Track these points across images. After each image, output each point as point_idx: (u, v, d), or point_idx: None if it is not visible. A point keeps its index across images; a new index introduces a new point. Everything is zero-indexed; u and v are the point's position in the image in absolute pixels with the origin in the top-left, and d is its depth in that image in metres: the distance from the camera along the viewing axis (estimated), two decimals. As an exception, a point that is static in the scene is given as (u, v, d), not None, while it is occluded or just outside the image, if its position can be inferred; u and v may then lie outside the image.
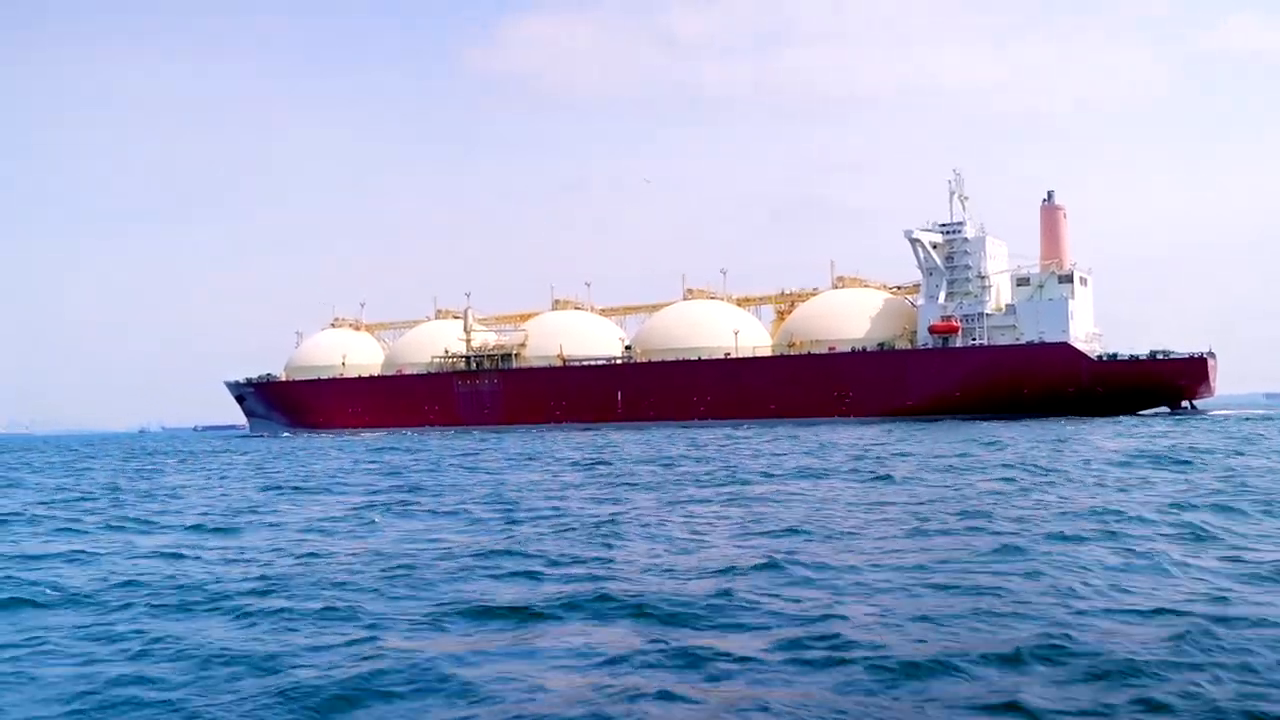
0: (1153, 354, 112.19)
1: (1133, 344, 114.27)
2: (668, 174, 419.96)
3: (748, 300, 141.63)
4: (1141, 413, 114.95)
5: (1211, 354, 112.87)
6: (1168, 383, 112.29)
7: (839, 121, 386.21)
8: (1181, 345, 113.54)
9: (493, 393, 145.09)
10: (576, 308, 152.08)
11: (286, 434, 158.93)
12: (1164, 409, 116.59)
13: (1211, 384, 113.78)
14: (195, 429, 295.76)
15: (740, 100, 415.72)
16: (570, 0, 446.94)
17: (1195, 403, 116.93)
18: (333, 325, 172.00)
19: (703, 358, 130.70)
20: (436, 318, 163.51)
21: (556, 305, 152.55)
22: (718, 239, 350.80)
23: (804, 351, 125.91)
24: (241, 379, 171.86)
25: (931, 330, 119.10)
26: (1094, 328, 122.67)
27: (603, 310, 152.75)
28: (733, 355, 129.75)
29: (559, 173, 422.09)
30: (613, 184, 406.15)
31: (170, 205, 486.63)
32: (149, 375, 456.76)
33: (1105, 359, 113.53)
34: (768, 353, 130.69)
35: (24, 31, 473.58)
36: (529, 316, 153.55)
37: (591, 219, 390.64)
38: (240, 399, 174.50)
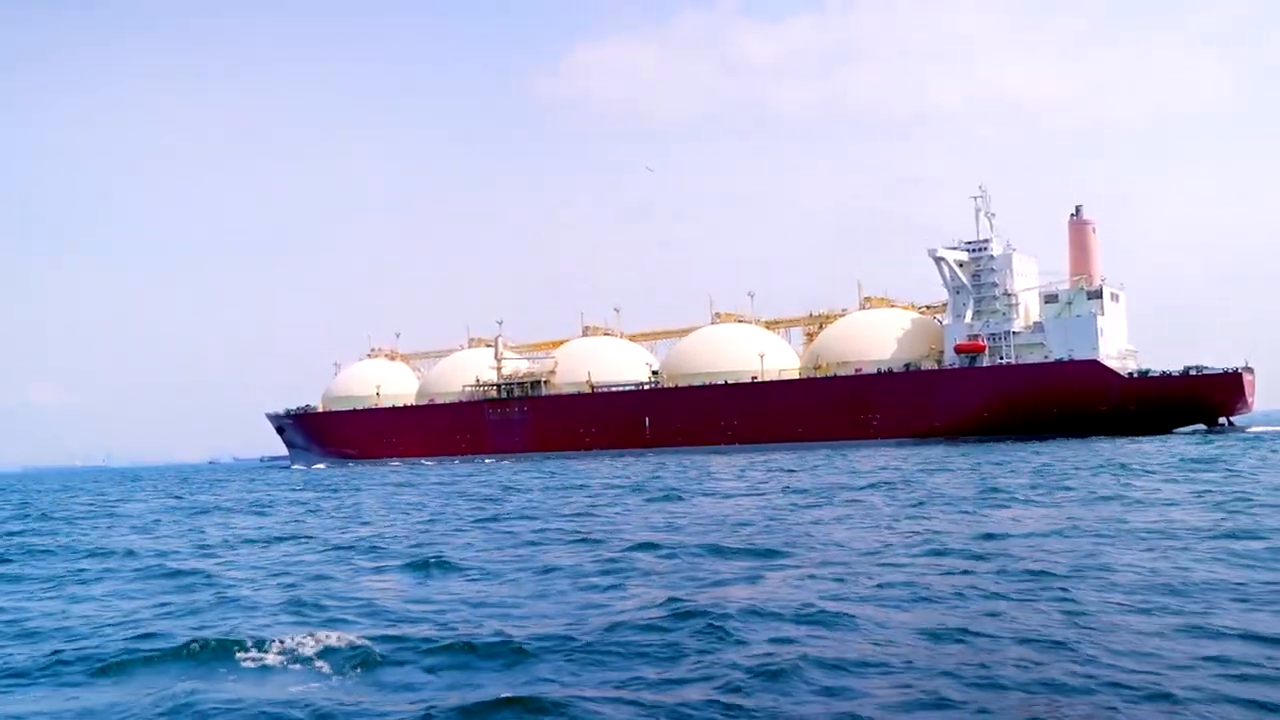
0: (1186, 370, 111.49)
1: (1180, 361, 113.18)
2: (729, 195, 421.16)
3: (776, 323, 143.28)
4: (1177, 430, 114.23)
5: (1249, 369, 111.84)
6: (1203, 399, 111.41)
7: (904, 138, 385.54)
8: (1233, 362, 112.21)
9: (522, 421, 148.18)
10: (606, 334, 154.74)
11: (320, 465, 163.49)
12: (1200, 426, 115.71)
13: (1249, 400, 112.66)
14: (261, 460, 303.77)
15: (806, 120, 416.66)
16: (638, 26, 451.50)
17: (1233, 419, 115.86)
18: (369, 355, 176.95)
19: (729, 382, 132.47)
20: (469, 346, 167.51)
21: (586, 332, 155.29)
22: (772, 259, 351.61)
23: (830, 374, 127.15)
24: (281, 410, 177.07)
25: (958, 350, 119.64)
26: (1127, 344, 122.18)
27: (632, 336, 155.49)
28: (759, 379, 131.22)
29: (622, 198, 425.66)
30: (677, 211, 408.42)
31: (229, 239, 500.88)
32: (215, 407, 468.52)
33: (1137, 376, 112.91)
34: (795, 375, 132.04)
35: (66, 74, 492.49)
36: (559, 344, 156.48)
37: (655, 242, 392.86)
38: (280, 430, 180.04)
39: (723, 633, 16.67)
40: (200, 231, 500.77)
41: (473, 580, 24.29)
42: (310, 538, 36.72)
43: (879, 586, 20.43)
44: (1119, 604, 17.67)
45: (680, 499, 46.57)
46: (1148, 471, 49.95)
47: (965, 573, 21.52)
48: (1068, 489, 41.12)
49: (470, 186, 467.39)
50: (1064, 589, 19.10)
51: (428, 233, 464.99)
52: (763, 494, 47.00)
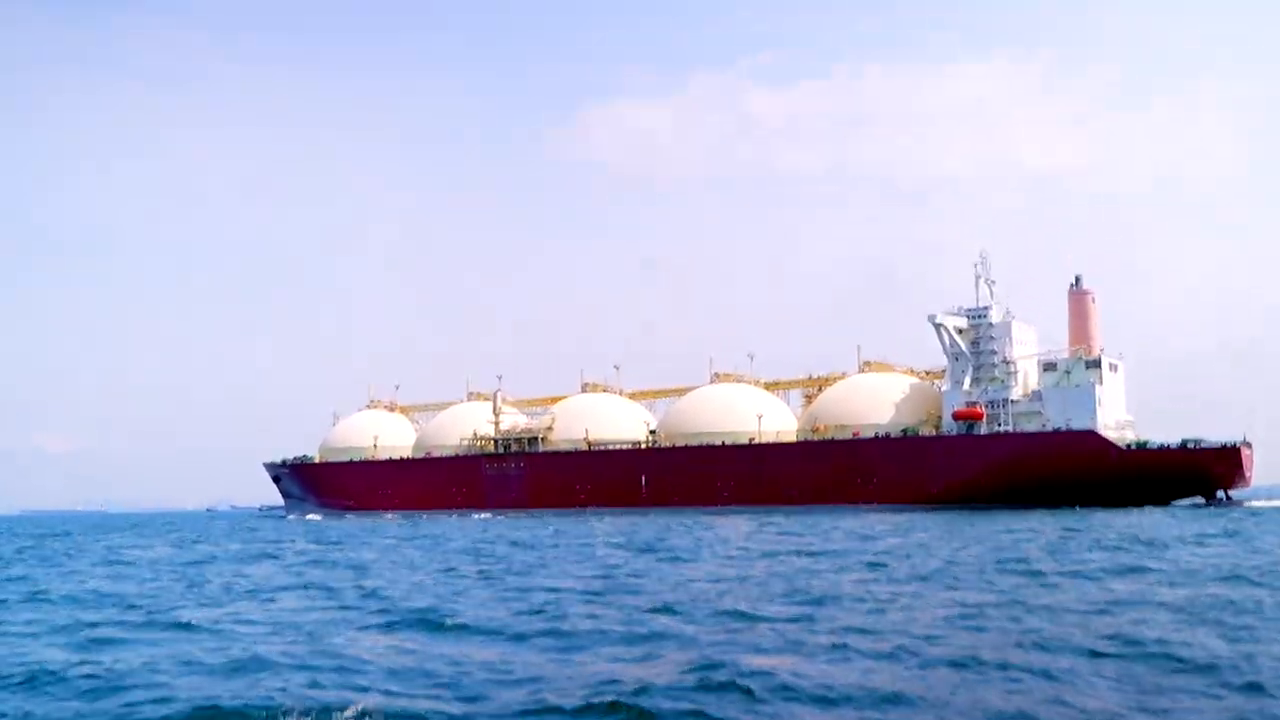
0: (1184, 443, 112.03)
1: (1179, 434, 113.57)
2: (734, 255, 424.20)
3: (775, 384, 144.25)
4: (1174, 503, 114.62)
5: (1247, 443, 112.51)
6: (1201, 473, 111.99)
7: (911, 203, 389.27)
8: (1231, 436, 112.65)
9: (519, 476, 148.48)
10: (605, 391, 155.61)
11: (313, 515, 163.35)
12: (1198, 499, 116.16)
13: (1247, 474, 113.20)
14: (260, 510, 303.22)
15: (814, 183, 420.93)
16: (651, 87, 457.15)
17: (1231, 493, 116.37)
18: (368, 407, 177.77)
19: (726, 443, 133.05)
20: (468, 400, 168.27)
21: (585, 388, 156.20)
22: (773, 320, 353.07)
23: (828, 437, 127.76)
24: (278, 460, 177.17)
25: (956, 416, 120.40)
26: (1126, 415, 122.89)
27: (631, 394, 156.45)
28: (757, 440, 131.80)
29: (632, 254, 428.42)
30: (682, 269, 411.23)
31: (233, 287, 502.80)
32: (215, 455, 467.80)
33: (1135, 447, 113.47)
34: (792, 438, 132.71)
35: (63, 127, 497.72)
36: (558, 400, 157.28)
37: (659, 300, 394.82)
38: (276, 479, 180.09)
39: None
40: (204, 278, 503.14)
41: (491, 643, 24.48)
42: (321, 590, 37.08)
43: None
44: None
45: (689, 559, 46.78)
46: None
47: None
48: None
49: (477, 240, 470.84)
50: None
51: (431, 285, 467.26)
52: (777, 555, 47.33)
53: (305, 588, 38.60)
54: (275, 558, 57.82)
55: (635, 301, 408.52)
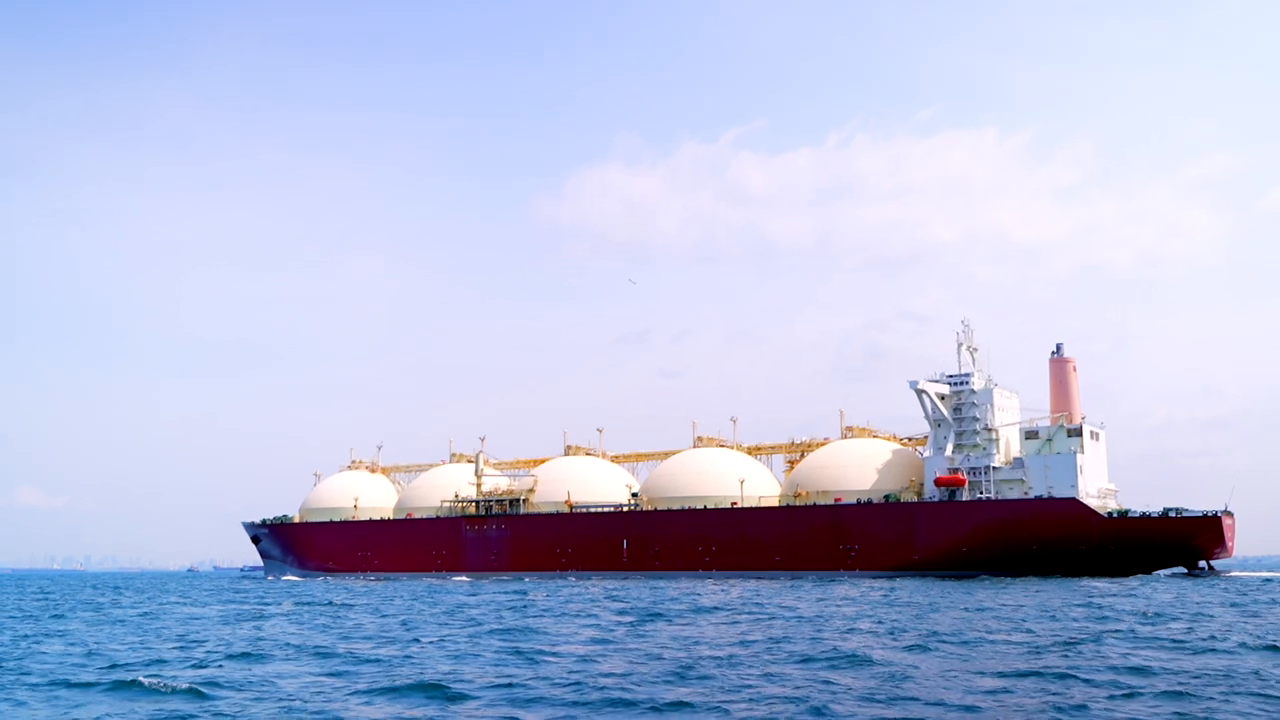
0: (1166, 512, 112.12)
1: (1161, 503, 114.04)
2: (720, 321, 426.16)
3: (758, 449, 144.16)
4: (1157, 572, 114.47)
5: (1228, 513, 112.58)
6: (1183, 542, 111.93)
7: (901, 272, 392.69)
8: (1212, 506, 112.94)
9: (500, 538, 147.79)
10: (588, 454, 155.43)
11: (291, 576, 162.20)
12: (1180, 568, 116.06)
13: (1229, 544, 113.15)
14: (242, 570, 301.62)
15: (802, 251, 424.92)
16: (640, 155, 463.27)
17: (1213, 563, 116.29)
18: (350, 467, 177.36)
19: (709, 507, 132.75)
20: (451, 461, 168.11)
21: (569, 451, 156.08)
22: (758, 384, 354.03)
23: (810, 502, 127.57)
24: (258, 520, 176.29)
25: (938, 483, 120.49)
26: (1108, 484, 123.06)
27: (614, 457, 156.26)
28: (739, 505, 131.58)
29: (613, 320, 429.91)
30: (666, 333, 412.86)
31: (217, 346, 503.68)
32: (197, 514, 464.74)
33: (1117, 515, 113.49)
34: (774, 503, 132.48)
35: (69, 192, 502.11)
36: (541, 462, 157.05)
37: (642, 364, 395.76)
38: (256, 540, 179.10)
39: None
40: (190, 340, 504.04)
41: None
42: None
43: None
44: None
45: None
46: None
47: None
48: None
49: (463, 302, 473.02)
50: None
51: (417, 346, 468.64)
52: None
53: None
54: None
55: (620, 365, 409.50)
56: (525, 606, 66.15)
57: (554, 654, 36.86)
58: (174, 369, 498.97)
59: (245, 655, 37.95)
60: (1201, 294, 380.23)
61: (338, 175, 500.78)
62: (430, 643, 41.91)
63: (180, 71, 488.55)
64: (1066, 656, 33.78)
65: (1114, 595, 70.49)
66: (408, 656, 37.02)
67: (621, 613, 58.36)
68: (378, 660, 36.01)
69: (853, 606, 60.41)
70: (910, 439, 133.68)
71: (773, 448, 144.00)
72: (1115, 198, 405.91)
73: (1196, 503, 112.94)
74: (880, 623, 47.86)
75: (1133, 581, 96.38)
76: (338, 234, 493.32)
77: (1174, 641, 38.07)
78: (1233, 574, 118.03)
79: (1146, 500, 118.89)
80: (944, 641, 38.57)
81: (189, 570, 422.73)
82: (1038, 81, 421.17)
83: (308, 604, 75.53)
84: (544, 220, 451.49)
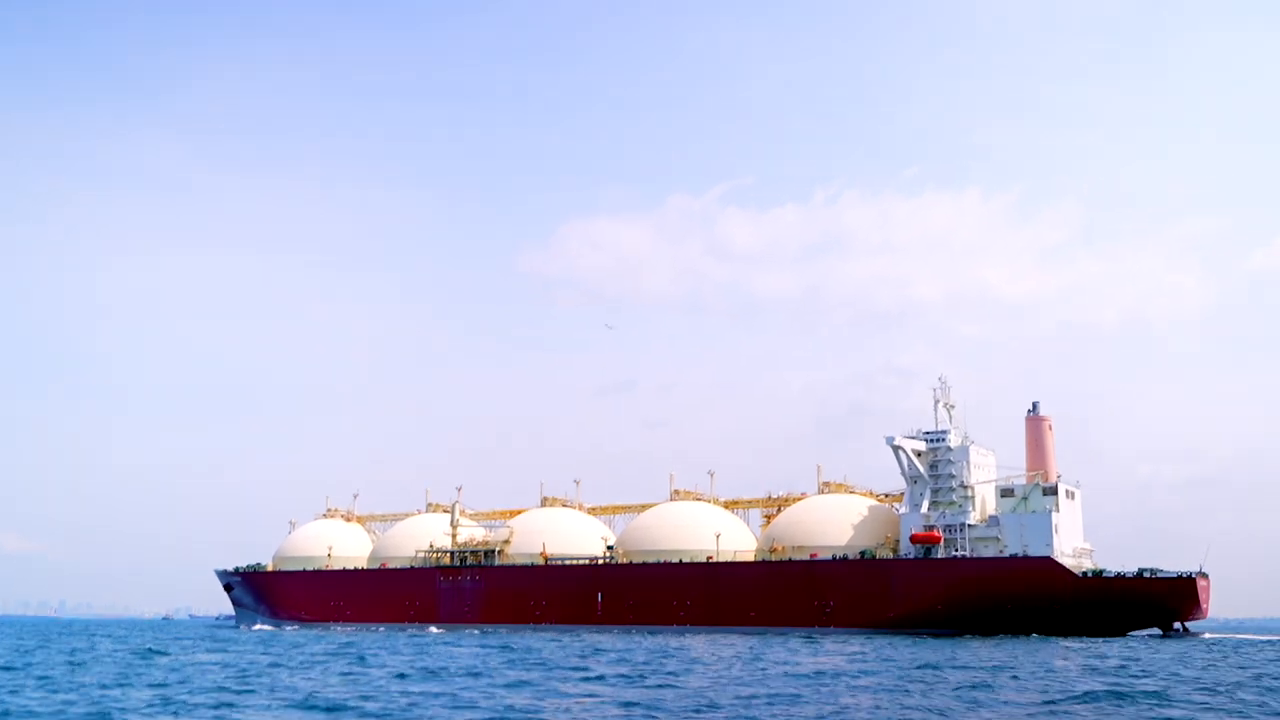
0: (1140, 572, 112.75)
1: (1137, 564, 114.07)
2: (700, 374, 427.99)
3: (735, 503, 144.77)
4: (1131, 634, 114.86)
5: (1203, 574, 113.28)
6: (1157, 603, 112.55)
7: (886, 329, 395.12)
8: (1187, 567, 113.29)
9: (474, 590, 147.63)
10: (565, 505, 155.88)
11: (261, 625, 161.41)
12: (1155, 630, 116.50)
13: (1204, 606, 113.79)
14: (217, 619, 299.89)
15: (789, 307, 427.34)
16: (627, 208, 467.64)
17: (1188, 624, 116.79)
18: (325, 515, 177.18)
19: (684, 560, 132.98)
20: (427, 511, 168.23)
21: (545, 502, 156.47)
22: (736, 439, 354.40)
23: (785, 558, 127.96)
24: (231, 568, 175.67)
25: (913, 540, 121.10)
26: (1083, 543, 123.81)
27: (591, 509, 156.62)
28: (715, 559, 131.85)
29: (594, 371, 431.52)
30: (647, 386, 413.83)
31: (193, 391, 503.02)
32: (174, 560, 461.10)
33: (1091, 575, 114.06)
34: (750, 557, 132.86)
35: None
36: (517, 513, 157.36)
37: (636, 420, 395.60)
38: (228, 588, 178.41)
39: None
40: (165, 382, 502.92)
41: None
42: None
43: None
44: None
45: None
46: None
47: None
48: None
49: (445, 350, 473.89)
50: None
51: (396, 394, 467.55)
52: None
53: None
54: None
55: (602, 416, 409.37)
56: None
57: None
58: (152, 414, 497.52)
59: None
60: (1186, 353, 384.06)
61: (319, 222, 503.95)
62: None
63: (150, 111, 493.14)
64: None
65: (1079, 655, 71.09)
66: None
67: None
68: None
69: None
70: (887, 495, 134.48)
71: (750, 502, 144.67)
72: (1100, 257, 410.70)
73: (1177, 564, 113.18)
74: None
75: (1104, 642, 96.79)
76: (319, 281, 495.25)
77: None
78: (1205, 635, 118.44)
79: (1127, 561, 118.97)
80: None
81: (164, 618, 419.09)
82: (1022, 141, 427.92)
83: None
84: (530, 270, 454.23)
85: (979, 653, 78.81)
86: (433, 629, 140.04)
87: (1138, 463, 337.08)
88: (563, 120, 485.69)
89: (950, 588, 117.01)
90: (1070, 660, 69.23)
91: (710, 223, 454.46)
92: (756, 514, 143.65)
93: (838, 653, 74.86)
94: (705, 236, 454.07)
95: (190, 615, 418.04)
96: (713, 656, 69.12)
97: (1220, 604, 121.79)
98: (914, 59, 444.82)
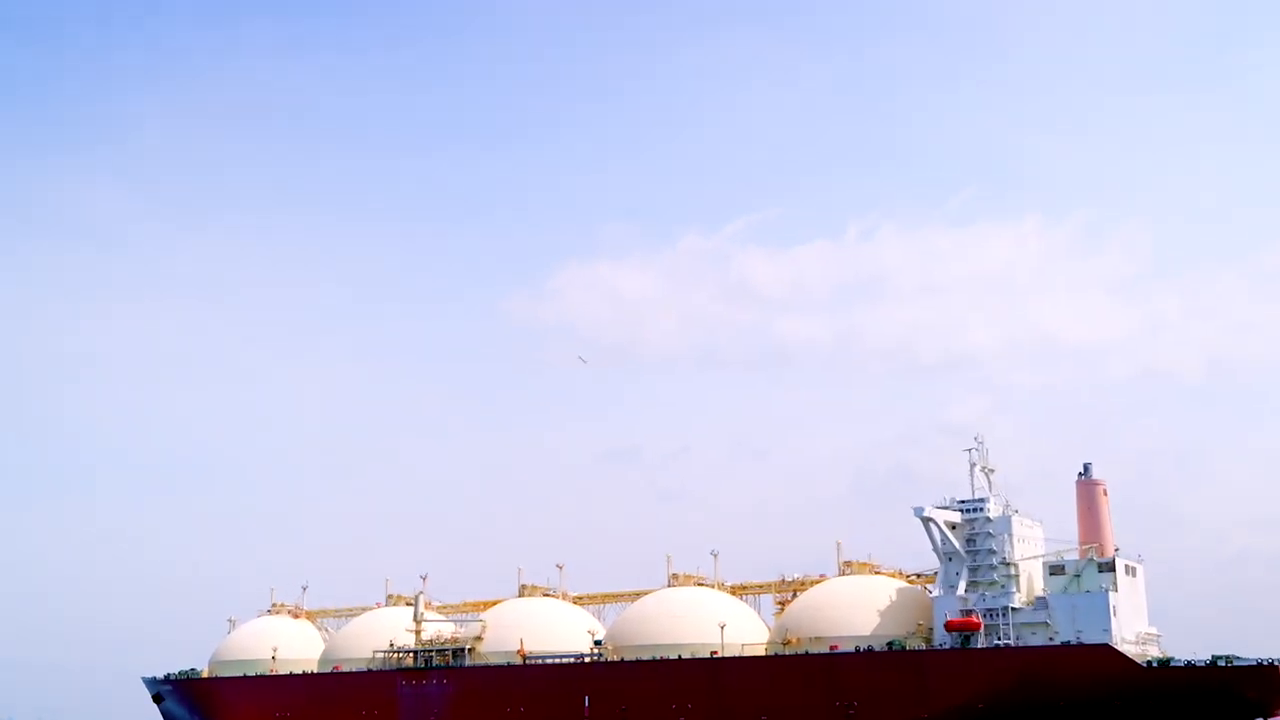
0: (1215, 660, 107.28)
1: (1210, 650, 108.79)
2: (724, 442, 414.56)
3: (743, 588, 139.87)
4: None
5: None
6: (1235, 695, 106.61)
7: (932, 382, 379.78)
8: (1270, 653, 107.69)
9: (441, 694, 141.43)
10: (546, 594, 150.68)
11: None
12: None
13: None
14: None
15: (820, 358, 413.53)
16: (636, 248, 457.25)
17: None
18: (270, 612, 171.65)
19: (684, 656, 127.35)
20: (387, 604, 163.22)
21: (523, 591, 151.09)
22: (744, 513, 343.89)
23: (801, 650, 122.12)
24: (160, 675, 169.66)
25: (949, 627, 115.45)
26: (1148, 628, 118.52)
27: (576, 597, 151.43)
28: (719, 654, 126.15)
29: (607, 438, 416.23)
30: (669, 455, 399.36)
31: (122, 464, 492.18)
32: (96, 669, 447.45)
33: (1157, 665, 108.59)
34: (760, 651, 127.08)
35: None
36: (491, 604, 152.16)
37: (640, 492, 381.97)
38: (158, 698, 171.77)
39: None
40: (80, 457, 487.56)
41: None
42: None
43: None
44: None
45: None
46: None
47: None
48: None
49: (411, 415, 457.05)
50: None
51: (352, 469, 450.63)
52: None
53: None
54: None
55: (590, 490, 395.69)
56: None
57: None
58: (65, 494, 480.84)
59: None
60: (1272, 402, 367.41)
61: (265, 267, 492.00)
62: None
63: (104, 157, 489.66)
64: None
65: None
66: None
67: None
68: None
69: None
70: (919, 575, 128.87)
71: (761, 586, 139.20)
72: (1176, 292, 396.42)
73: (1253, 650, 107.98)
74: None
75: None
76: (266, 339, 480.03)
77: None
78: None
79: (1195, 647, 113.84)
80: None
81: None
82: (1086, 161, 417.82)
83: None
84: (518, 320, 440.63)
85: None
86: None
87: (1231, 530, 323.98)
88: (558, 149, 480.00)
89: (993, 682, 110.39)
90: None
91: (726, 262, 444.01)
92: (769, 600, 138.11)
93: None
94: (720, 278, 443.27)
95: None
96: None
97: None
98: (959, 71, 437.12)
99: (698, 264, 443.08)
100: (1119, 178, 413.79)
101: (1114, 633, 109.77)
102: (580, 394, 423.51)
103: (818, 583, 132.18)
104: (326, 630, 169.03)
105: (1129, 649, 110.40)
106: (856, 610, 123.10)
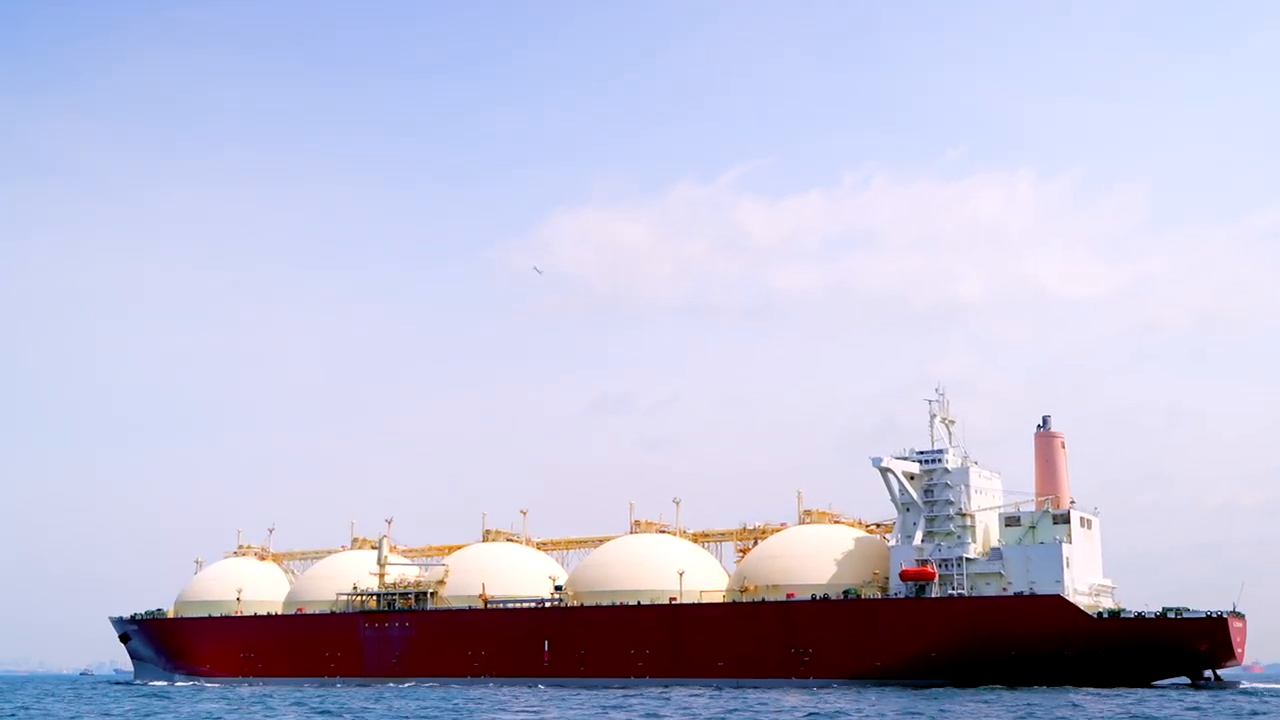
0: (1164, 612, 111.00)
1: (1216, 603, 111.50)
2: (724, 391, 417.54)
3: (705, 535, 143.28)
4: (1156, 683, 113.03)
5: (1238, 614, 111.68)
6: (1185, 647, 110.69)
7: (923, 334, 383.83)
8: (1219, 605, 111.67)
9: (403, 638, 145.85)
10: (509, 539, 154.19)
11: (160, 681, 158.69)
12: (1184, 679, 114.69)
13: (1238, 651, 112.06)
14: (116, 672, 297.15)
15: (812, 308, 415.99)
16: (630, 196, 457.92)
17: (1220, 672, 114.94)
18: (236, 553, 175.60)
19: (643, 603, 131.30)
20: (353, 547, 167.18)
21: (487, 536, 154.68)
22: (709, 460, 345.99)
23: (758, 598, 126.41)
24: (127, 615, 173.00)
25: (904, 576, 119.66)
26: (1102, 579, 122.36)
27: (539, 543, 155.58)
28: (678, 600, 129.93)
29: (596, 386, 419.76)
30: (657, 403, 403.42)
31: (104, 407, 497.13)
32: (88, 608, 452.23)
33: (1108, 616, 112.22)
34: (718, 598, 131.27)
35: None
36: (455, 549, 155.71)
37: (631, 438, 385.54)
38: (124, 638, 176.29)
39: None
40: (52, 400, 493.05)
41: None
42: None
43: None
44: None
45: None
46: None
47: None
48: None
49: (389, 361, 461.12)
50: None
51: (321, 413, 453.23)
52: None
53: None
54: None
55: (568, 439, 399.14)
56: None
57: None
58: (39, 438, 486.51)
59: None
60: (1263, 356, 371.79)
61: (248, 209, 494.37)
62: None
63: (80, 99, 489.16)
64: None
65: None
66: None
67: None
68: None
69: None
70: (877, 525, 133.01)
71: (722, 534, 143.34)
72: (1169, 248, 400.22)
73: (1208, 602, 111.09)
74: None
75: (1122, 694, 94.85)
76: (244, 282, 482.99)
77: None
78: (1242, 685, 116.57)
79: (1150, 598, 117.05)
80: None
81: (81, 673, 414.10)
82: (1082, 117, 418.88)
83: None
84: (505, 267, 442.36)
85: (977, 707, 77.31)
86: (338, 685, 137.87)
87: (1215, 483, 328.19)
88: (549, 95, 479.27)
89: (945, 632, 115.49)
90: (1081, 715, 67.86)
91: (720, 212, 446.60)
92: (730, 548, 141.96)
93: (814, 709, 73.03)
94: (714, 228, 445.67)
95: (115, 669, 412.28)
96: None
97: (1262, 648, 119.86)
98: (958, 23, 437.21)
99: (691, 212, 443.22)
100: (1114, 135, 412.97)
101: (1066, 584, 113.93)
102: (570, 342, 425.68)
103: (778, 531, 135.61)
104: (292, 572, 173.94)
105: (1082, 600, 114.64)
106: (814, 559, 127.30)
